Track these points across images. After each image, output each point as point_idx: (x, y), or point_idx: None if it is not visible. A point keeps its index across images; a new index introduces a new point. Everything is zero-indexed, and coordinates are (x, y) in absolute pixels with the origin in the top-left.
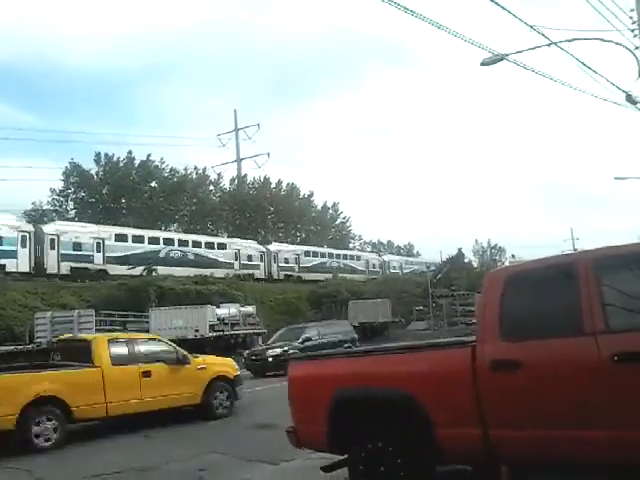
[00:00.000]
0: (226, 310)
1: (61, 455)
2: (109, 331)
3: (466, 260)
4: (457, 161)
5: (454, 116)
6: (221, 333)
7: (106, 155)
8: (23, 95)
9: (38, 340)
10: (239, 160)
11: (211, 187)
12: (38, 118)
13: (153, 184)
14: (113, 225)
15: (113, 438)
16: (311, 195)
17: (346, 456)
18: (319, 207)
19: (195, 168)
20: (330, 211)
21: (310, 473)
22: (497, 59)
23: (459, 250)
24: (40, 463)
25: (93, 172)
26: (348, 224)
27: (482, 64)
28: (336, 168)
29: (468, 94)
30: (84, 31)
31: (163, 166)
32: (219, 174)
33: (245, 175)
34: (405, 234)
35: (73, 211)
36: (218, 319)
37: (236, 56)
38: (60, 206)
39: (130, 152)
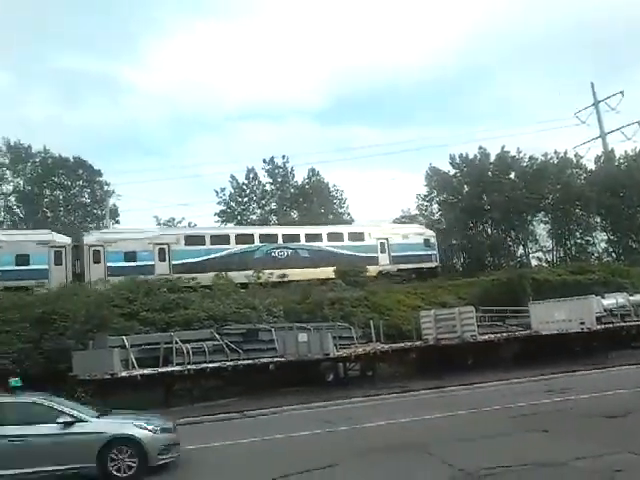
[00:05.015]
0: (613, 300)
1: None
2: (489, 327)
3: None
4: None
5: None
6: (610, 325)
7: (460, 155)
8: (370, 113)
9: (425, 337)
10: (603, 135)
11: (575, 169)
12: (383, 131)
13: (512, 176)
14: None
15: None
16: None
17: None
18: None
19: (555, 152)
20: None
21: None
22: None
23: None
24: None
25: (451, 173)
26: None
27: None
28: None
29: None
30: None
31: (520, 156)
32: (576, 154)
33: (612, 150)
34: None
35: (438, 213)
36: (604, 310)
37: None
38: (425, 210)
39: (482, 148)
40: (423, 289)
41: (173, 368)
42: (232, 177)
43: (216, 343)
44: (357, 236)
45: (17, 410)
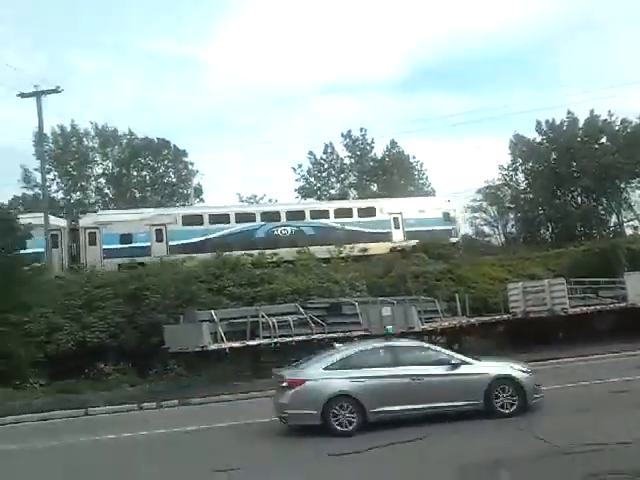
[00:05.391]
0: None
1: None
2: (581, 299)
3: None
4: None
5: None
6: None
7: (547, 121)
8: (450, 82)
9: (513, 310)
10: None
11: None
12: (465, 100)
13: (603, 141)
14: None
15: None
16: None
17: None
18: None
19: None
20: None
21: None
22: None
23: None
24: None
25: (537, 140)
26: None
27: None
28: None
29: None
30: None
31: (612, 119)
32: None
33: None
34: None
35: (524, 183)
36: None
37: None
38: (510, 179)
39: (570, 113)
40: (510, 261)
41: (260, 341)
42: (310, 153)
43: (301, 317)
44: (367, 211)
45: (412, 353)
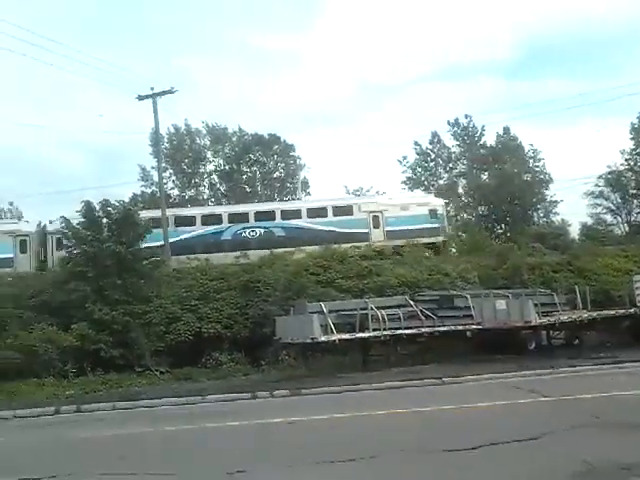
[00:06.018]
0: None
1: None
2: None
3: None
4: None
5: None
6: None
7: None
8: (563, 65)
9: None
10: None
11: None
12: (580, 83)
13: None
14: None
15: None
16: None
17: None
18: None
19: None
20: None
21: None
22: None
23: None
24: None
25: None
26: None
27: None
28: None
29: None
30: None
31: None
32: None
33: None
34: None
35: None
36: None
37: None
38: (635, 164)
39: None
40: (635, 251)
41: (370, 334)
42: (416, 143)
43: (410, 309)
44: (343, 210)
45: None
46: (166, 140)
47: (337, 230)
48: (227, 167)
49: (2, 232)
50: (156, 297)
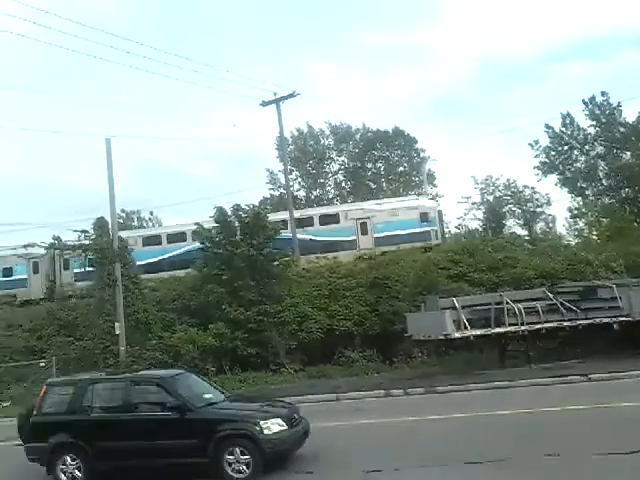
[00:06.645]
0: None
1: None
2: None
3: None
4: None
5: None
6: None
7: None
8: None
9: None
10: None
11: None
12: None
13: None
14: None
15: None
16: None
17: None
18: None
19: None
20: None
21: None
22: None
23: None
24: None
25: None
26: None
27: None
28: None
29: None
30: None
31: None
32: None
33: None
34: None
35: None
36: None
37: None
38: None
39: None
40: None
41: (506, 329)
42: (547, 126)
43: (549, 302)
44: (330, 218)
45: None
46: (291, 143)
47: (322, 239)
48: (351, 165)
49: (17, 256)
50: (287, 296)
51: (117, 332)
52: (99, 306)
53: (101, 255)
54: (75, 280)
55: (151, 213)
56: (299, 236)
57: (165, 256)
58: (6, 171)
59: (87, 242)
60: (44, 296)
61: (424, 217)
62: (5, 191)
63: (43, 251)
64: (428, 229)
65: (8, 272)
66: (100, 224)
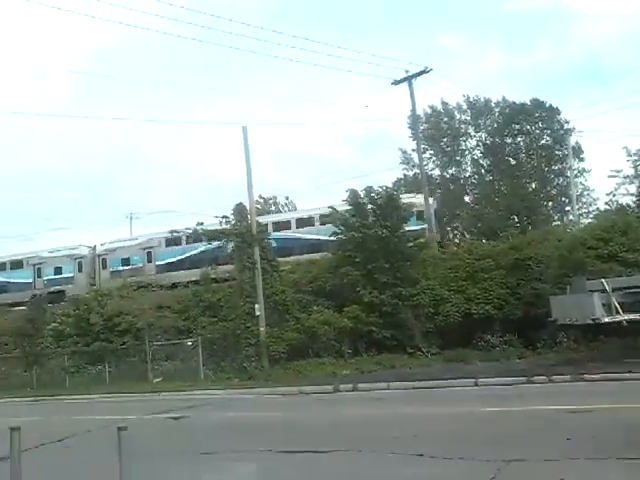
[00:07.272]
0: None
1: None
2: None
3: None
4: None
5: None
6: None
7: None
8: None
9: None
10: None
11: None
12: None
13: None
14: None
15: None
16: None
17: None
18: None
19: None
20: None
21: None
22: None
23: None
24: None
25: None
26: None
27: None
28: None
29: None
30: None
31: None
32: None
33: None
34: None
35: None
36: None
37: None
38: None
39: None
40: None
41: None
42: None
43: None
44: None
45: None
46: (424, 121)
47: (325, 239)
48: (490, 141)
49: (65, 256)
50: (423, 279)
51: (257, 313)
52: (240, 288)
53: (241, 239)
54: (110, 278)
55: (287, 198)
56: (302, 235)
57: (185, 255)
58: (161, 162)
59: (227, 227)
60: (87, 293)
61: (419, 215)
62: (160, 180)
63: (87, 252)
64: (424, 226)
65: (58, 271)
66: (239, 210)
